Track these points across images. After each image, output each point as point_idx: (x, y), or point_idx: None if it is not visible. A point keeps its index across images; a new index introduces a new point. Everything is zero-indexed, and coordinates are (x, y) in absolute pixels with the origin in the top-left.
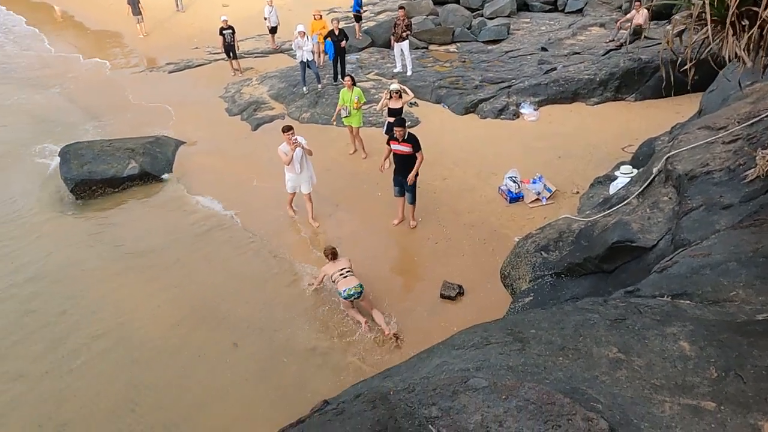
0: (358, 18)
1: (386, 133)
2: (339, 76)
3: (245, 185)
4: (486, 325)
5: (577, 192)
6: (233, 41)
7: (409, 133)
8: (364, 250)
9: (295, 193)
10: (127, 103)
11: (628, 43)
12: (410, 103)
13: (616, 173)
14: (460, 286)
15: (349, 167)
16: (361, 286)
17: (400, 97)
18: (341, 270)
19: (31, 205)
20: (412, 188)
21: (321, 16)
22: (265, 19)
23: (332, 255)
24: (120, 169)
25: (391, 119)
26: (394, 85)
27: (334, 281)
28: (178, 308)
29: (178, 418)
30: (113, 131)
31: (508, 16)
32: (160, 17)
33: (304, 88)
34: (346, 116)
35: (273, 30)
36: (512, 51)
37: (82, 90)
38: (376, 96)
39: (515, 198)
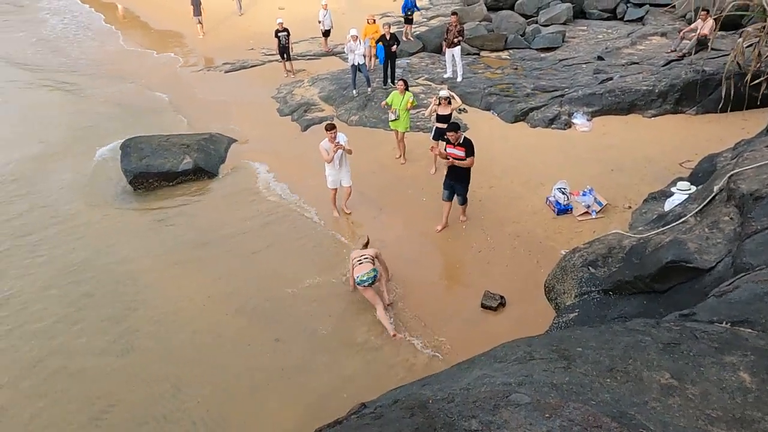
0: (408, 20)
1: (434, 138)
2: (389, 80)
3: (296, 184)
4: (530, 339)
5: (629, 207)
6: (288, 43)
7: (465, 137)
8: (406, 254)
9: (336, 189)
10: (192, 99)
11: (692, 53)
12: (459, 110)
13: (673, 189)
14: (502, 297)
15: (394, 171)
16: (374, 271)
17: (449, 103)
18: (360, 257)
19: (94, 194)
20: (463, 191)
21: (374, 20)
22: (320, 22)
23: (363, 245)
24: (175, 164)
25: (440, 125)
26: (444, 92)
27: (353, 267)
28: (229, 299)
29: (214, 408)
30: (174, 126)
31: (564, 24)
32: (219, 18)
33: (354, 91)
34: (394, 120)
35: (326, 33)
36: (567, 59)
37: (155, 84)
38: (425, 101)
39: (563, 210)
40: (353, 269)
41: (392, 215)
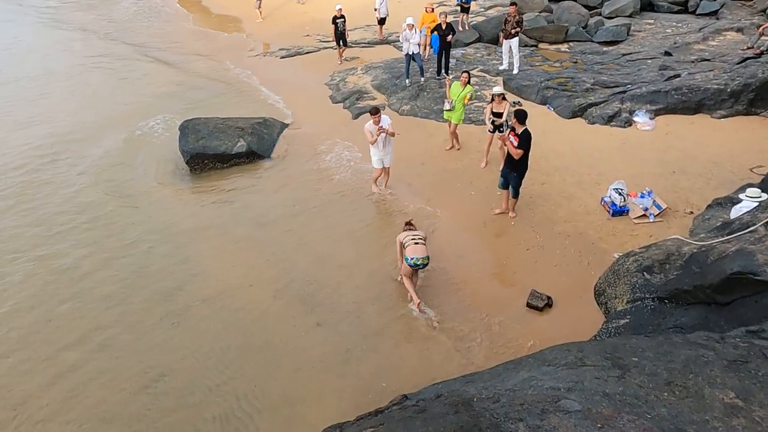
0: (464, 9)
1: (491, 132)
2: (443, 71)
3: (345, 168)
4: (581, 344)
5: (691, 212)
6: (344, 30)
7: (525, 129)
8: (452, 247)
9: (381, 168)
10: (249, 82)
11: None
12: (513, 103)
13: (741, 196)
14: (548, 297)
15: (443, 163)
16: (427, 258)
17: (504, 99)
18: (414, 236)
19: (153, 172)
20: (515, 183)
21: (433, 9)
22: (375, 10)
23: (408, 224)
24: (230, 146)
25: (497, 120)
26: (497, 88)
27: (405, 246)
28: (277, 280)
29: (259, 385)
30: (231, 107)
31: (630, 16)
32: (277, 4)
33: (407, 81)
34: (448, 110)
35: (382, 21)
36: (631, 54)
37: (221, 66)
38: (479, 92)
39: (619, 211)
40: (405, 249)
41: (440, 207)
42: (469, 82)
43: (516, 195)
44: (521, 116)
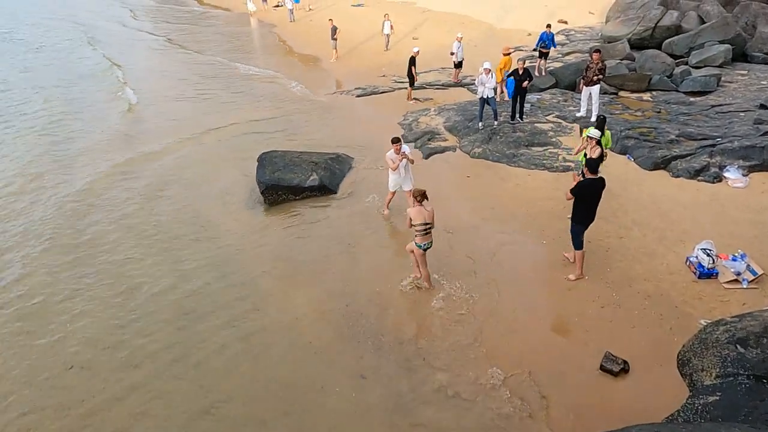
0: (542, 55)
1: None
2: (517, 115)
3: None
4: (673, 427)
5: None
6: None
7: (587, 179)
8: (520, 298)
9: (395, 192)
10: (324, 118)
11: None
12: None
13: None
14: (625, 362)
15: (513, 208)
16: (431, 243)
17: (599, 144)
18: (425, 227)
19: (233, 198)
20: (571, 230)
21: (510, 52)
22: (452, 54)
23: (421, 197)
24: (303, 180)
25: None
26: (593, 131)
27: (416, 232)
28: (336, 316)
29: (304, 425)
30: (309, 142)
31: (720, 67)
32: (353, 45)
33: (480, 124)
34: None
35: (458, 65)
36: (721, 105)
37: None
38: (554, 139)
39: (707, 274)
40: (416, 236)
41: (507, 256)
42: (599, 128)
43: (574, 245)
44: (592, 165)
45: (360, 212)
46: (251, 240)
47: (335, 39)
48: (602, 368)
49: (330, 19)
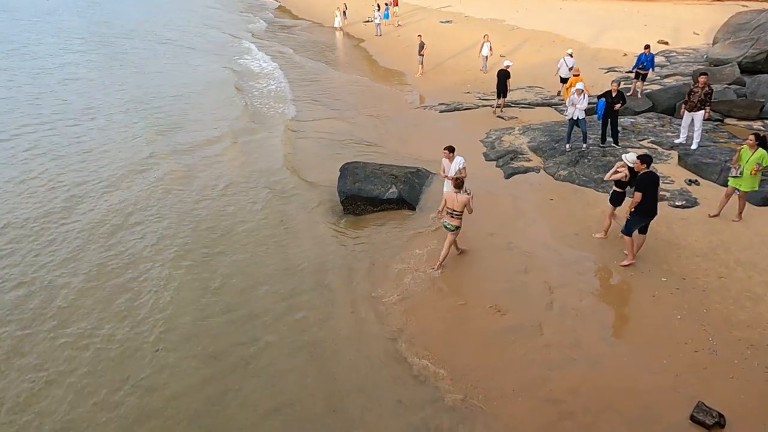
0: (639, 76)
1: (611, 202)
2: (608, 139)
3: (486, 230)
4: None
5: None
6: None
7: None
8: (603, 331)
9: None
10: (407, 131)
11: None
12: (689, 181)
13: None
14: (720, 415)
15: (601, 236)
16: (456, 227)
17: (630, 170)
18: (453, 211)
19: (310, 206)
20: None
21: (578, 73)
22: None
23: (458, 186)
24: (382, 192)
25: (618, 189)
26: (631, 155)
27: (447, 212)
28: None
29: None
30: (390, 154)
31: None
32: (440, 60)
33: (567, 146)
34: (735, 176)
35: (564, 80)
36: None
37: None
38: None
39: None
40: (444, 213)
41: (589, 285)
42: (761, 145)
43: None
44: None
45: (430, 229)
46: (327, 250)
47: (422, 55)
48: (693, 419)
49: (419, 35)
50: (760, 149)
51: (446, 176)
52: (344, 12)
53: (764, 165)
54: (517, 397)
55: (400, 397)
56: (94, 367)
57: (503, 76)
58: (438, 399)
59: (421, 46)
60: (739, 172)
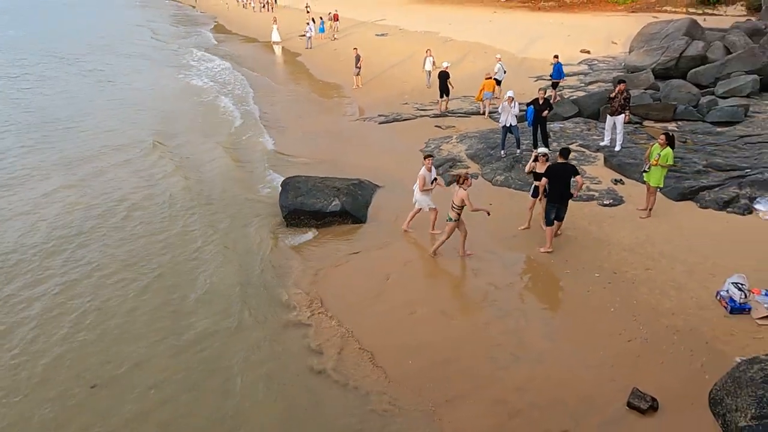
0: (554, 85)
1: (532, 195)
2: (539, 144)
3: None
4: None
5: None
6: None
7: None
8: (544, 330)
9: (420, 209)
10: (347, 144)
11: None
12: (614, 180)
13: None
14: (653, 399)
15: (537, 237)
16: (449, 217)
17: (547, 160)
18: (453, 204)
19: (251, 222)
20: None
21: (490, 77)
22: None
23: (457, 182)
24: (325, 205)
25: (537, 183)
26: (542, 149)
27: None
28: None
29: None
30: (331, 168)
31: (747, 97)
32: (375, 72)
33: (503, 152)
34: (645, 171)
35: (499, 82)
36: (750, 136)
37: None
38: (577, 167)
39: (739, 309)
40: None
41: (528, 286)
42: (669, 144)
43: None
44: (562, 152)
45: (378, 243)
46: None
47: (359, 67)
48: (629, 405)
49: (354, 48)
50: (668, 148)
51: (425, 189)
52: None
53: (668, 163)
54: (465, 401)
55: (335, 402)
56: None
57: (444, 77)
58: (385, 408)
59: (357, 58)
60: (648, 167)
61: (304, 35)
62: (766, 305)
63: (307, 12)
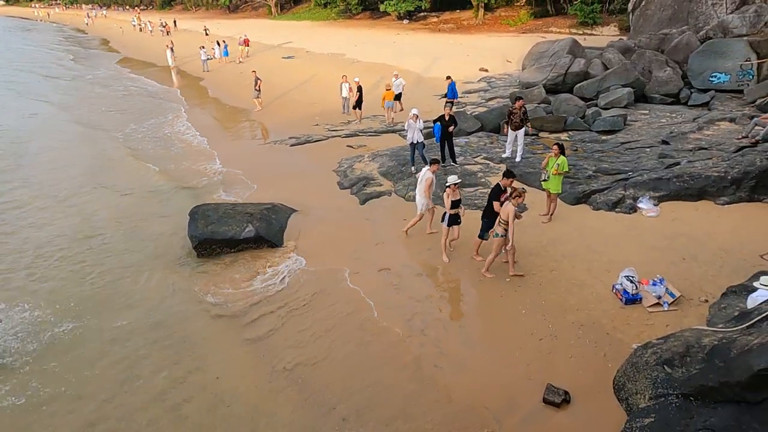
0: (450, 104)
1: (448, 225)
2: (447, 159)
3: (351, 255)
4: None
5: (706, 300)
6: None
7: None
8: (461, 336)
9: (423, 214)
10: (261, 169)
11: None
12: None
13: (756, 284)
14: (566, 392)
15: (458, 250)
16: (500, 234)
17: (457, 187)
18: (500, 221)
19: (157, 255)
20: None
21: (390, 88)
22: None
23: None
24: (238, 232)
25: (452, 211)
26: (452, 177)
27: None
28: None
29: None
30: (243, 194)
31: (625, 107)
32: (278, 95)
33: (413, 168)
34: (545, 180)
35: (398, 97)
36: (629, 142)
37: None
38: (483, 179)
39: (632, 300)
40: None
41: (447, 295)
42: (562, 153)
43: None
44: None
45: (299, 267)
46: (179, 298)
47: (258, 89)
48: (545, 400)
49: (253, 71)
50: (561, 156)
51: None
52: (171, 49)
53: (564, 170)
54: (395, 422)
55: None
56: None
57: (358, 90)
58: None
59: (256, 81)
60: (547, 176)
61: (209, 58)
62: (654, 294)
63: (206, 35)
